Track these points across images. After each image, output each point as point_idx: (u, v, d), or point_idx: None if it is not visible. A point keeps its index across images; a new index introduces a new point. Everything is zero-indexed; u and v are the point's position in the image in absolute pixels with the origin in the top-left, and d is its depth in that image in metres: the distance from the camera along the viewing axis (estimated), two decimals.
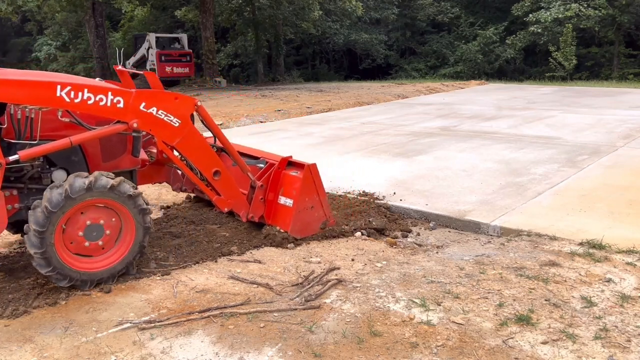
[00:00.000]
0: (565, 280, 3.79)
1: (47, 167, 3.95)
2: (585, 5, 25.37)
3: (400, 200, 5.91)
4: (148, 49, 25.43)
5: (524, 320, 3.23)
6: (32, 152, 3.64)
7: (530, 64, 30.85)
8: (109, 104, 3.76)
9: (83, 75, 27.41)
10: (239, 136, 10.58)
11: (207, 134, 4.60)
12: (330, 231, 4.92)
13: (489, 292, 3.65)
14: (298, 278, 3.96)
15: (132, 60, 26.58)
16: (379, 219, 5.33)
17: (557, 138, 9.26)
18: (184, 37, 27.29)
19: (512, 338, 3.06)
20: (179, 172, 5.11)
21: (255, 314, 3.38)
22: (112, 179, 3.70)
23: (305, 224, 4.75)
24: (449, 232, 5.20)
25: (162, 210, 5.83)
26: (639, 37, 27.80)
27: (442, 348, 2.98)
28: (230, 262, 4.32)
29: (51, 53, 35.99)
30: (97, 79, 4.53)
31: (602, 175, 6.69)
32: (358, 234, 4.97)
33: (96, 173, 3.68)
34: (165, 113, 3.99)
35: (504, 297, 3.57)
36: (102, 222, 3.75)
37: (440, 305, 3.48)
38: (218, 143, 4.59)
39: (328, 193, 6.11)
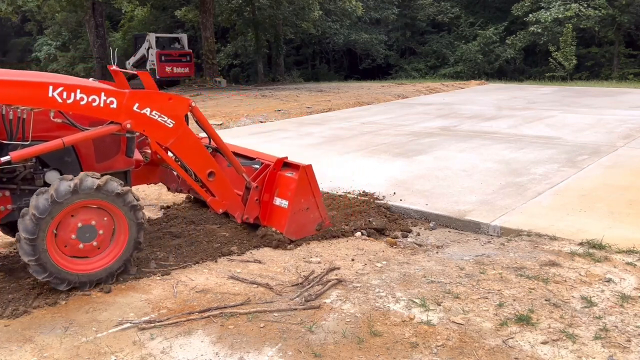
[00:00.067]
0: (565, 280, 3.79)
1: (40, 168, 3.93)
2: (585, 5, 25.37)
3: (400, 200, 5.91)
4: (148, 49, 25.42)
5: (524, 320, 3.23)
6: (24, 153, 3.61)
7: (530, 64, 30.85)
8: (102, 104, 3.73)
9: (83, 75, 27.45)
10: (239, 136, 10.58)
11: (203, 134, 4.59)
12: (330, 231, 4.91)
13: (489, 292, 3.65)
14: (298, 278, 3.96)
15: (132, 60, 26.59)
16: (379, 219, 5.33)
17: (557, 138, 9.26)
18: (184, 37, 27.28)
19: (512, 338, 3.06)
20: (175, 172, 5.10)
21: (255, 314, 3.38)
22: (98, 178, 3.66)
23: (300, 226, 4.72)
24: (449, 232, 5.20)
25: (162, 210, 5.83)
26: (639, 37, 27.80)
27: (442, 348, 2.98)
28: (230, 262, 4.32)
29: (51, 53, 35.99)
30: (91, 79, 4.51)
31: (602, 175, 6.69)
32: (358, 234, 4.97)
33: (81, 174, 3.64)
34: (159, 114, 3.97)
35: (504, 297, 3.57)
36: (93, 222, 3.72)
37: (440, 305, 3.48)
38: (213, 144, 4.56)
39: (328, 193, 6.14)
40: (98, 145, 4.17)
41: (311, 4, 24.92)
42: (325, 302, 3.54)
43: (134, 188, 6.00)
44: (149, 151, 4.84)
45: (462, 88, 20.93)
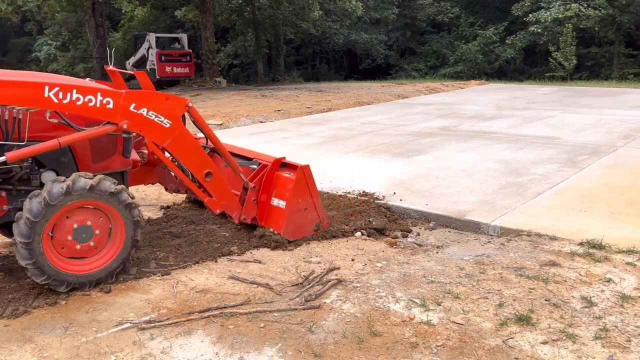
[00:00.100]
0: (565, 280, 3.79)
1: (37, 168, 3.91)
2: (585, 5, 25.37)
3: (400, 200, 5.91)
4: (148, 49, 25.42)
5: (524, 320, 3.23)
6: (20, 153, 3.59)
7: (530, 64, 30.86)
8: (98, 104, 3.72)
9: (83, 75, 27.44)
10: (239, 136, 10.59)
11: (201, 135, 4.57)
12: (330, 231, 4.91)
13: (489, 292, 3.65)
14: (298, 278, 3.96)
15: (132, 60, 26.59)
16: (379, 219, 5.33)
17: (557, 138, 9.26)
18: (184, 37, 27.28)
19: (512, 338, 3.06)
20: (172, 173, 5.09)
21: (255, 314, 3.38)
22: (91, 178, 3.63)
23: (298, 226, 4.71)
24: (449, 232, 5.20)
25: (162, 210, 5.84)
26: (639, 37, 27.80)
27: (442, 348, 2.98)
28: (230, 262, 4.32)
29: (51, 53, 35.98)
30: (87, 79, 4.50)
31: (602, 175, 6.69)
32: (358, 234, 4.97)
33: (74, 175, 3.62)
34: (155, 114, 3.94)
35: (504, 297, 3.57)
36: (89, 223, 3.70)
37: (440, 305, 3.48)
38: (210, 144, 4.54)
39: (328, 193, 6.14)
40: (94, 146, 4.15)
41: (311, 4, 24.92)
42: (325, 302, 3.54)
43: (132, 188, 6.03)
44: (146, 151, 4.82)
45: (462, 88, 20.93)
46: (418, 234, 5.11)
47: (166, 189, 5.52)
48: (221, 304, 3.52)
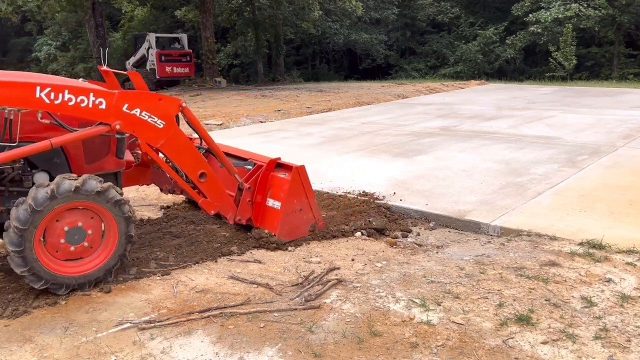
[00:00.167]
0: (565, 280, 3.79)
1: (29, 169, 3.89)
2: (585, 5, 25.37)
3: (400, 200, 5.91)
4: (148, 49, 25.42)
5: (524, 320, 3.23)
6: (11, 154, 3.56)
7: (530, 64, 30.86)
8: (90, 105, 3.68)
9: (83, 75, 27.43)
10: (239, 136, 10.59)
11: (196, 135, 4.54)
12: (330, 231, 4.91)
13: (489, 292, 3.65)
14: (298, 278, 3.96)
15: (132, 60, 26.59)
16: (379, 219, 5.33)
17: (557, 138, 9.26)
18: (184, 37, 27.28)
19: (512, 338, 3.06)
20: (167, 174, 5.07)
21: (255, 314, 3.38)
22: (75, 180, 3.59)
23: (293, 227, 4.69)
24: (449, 232, 5.20)
25: (162, 210, 5.84)
26: (639, 37, 27.80)
27: (442, 348, 2.98)
28: (230, 262, 4.32)
29: (51, 53, 35.99)
30: (80, 79, 4.49)
31: (602, 175, 6.69)
32: (358, 234, 4.97)
33: (57, 179, 3.57)
34: (149, 114, 3.91)
35: (504, 297, 3.57)
36: (80, 224, 3.67)
37: (440, 305, 3.48)
38: (204, 144, 4.51)
39: (328, 193, 6.14)
40: (88, 147, 4.12)
41: (311, 4, 24.93)
42: (325, 302, 3.54)
43: (132, 188, 6.02)
44: (141, 152, 4.79)
45: (462, 88, 20.93)
46: (418, 234, 5.11)
47: (161, 190, 5.47)
48: (221, 304, 3.52)
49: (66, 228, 3.62)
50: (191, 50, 26.79)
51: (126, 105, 3.81)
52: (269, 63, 32.89)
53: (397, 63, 33.79)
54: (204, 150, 4.58)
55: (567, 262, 4.11)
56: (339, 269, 4.13)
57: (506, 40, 28.71)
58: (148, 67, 25.14)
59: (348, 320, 3.31)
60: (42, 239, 3.55)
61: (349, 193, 6.18)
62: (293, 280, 3.92)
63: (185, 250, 4.55)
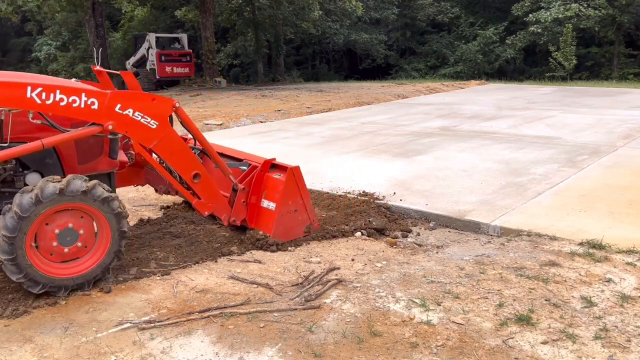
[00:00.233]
0: (565, 280, 3.79)
1: (21, 170, 3.87)
2: (585, 5, 25.38)
3: (400, 200, 5.91)
4: (148, 49, 25.43)
5: (524, 320, 3.23)
6: (2, 155, 3.54)
7: (530, 64, 30.87)
8: (82, 105, 3.65)
9: (83, 75, 27.41)
10: (239, 136, 10.59)
11: (190, 136, 4.51)
12: (330, 231, 4.91)
13: (489, 292, 3.65)
14: (298, 278, 3.96)
15: (132, 60, 26.60)
16: (379, 219, 5.33)
17: (557, 138, 9.26)
18: (184, 37, 27.29)
19: (512, 338, 3.06)
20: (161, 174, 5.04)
21: (255, 314, 3.38)
22: (59, 182, 3.54)
23: (288, 228, 4.67)
24: (449, 232, 5.20)
25: (162, 210, 5.84)
26: (639, 37, 27.81)
27: (442, 348, 2.98)
28: (230, 262, 4.32)
29: (51, 53, 36.00)
30: (73, 79, 4.47)
31: (602, 175, 6.69)
32: (358, 234, 4.97)
33: (40, 182, 3.52)
34: (142, 115, 3.87)
35: (504, 297, 3.57)
36: (71, 225, 3.64)
37: (440, 305, 3.48)
38: (198, 145, 4.49)
39: (328, 193, 6.14)
40: (80, 147, 4.09)
41: (311, 4, 24.93)
42: (325, 302, 3.54)
43: (132, 188, 6.01)
44: (134, 152, 4.76)
45: (462, 88, 20.93)
46: (418, 234, 5.11)
47: (156, 190, 5.43)
48: (221, 304, 3.52)
49: (57, 230, 3.59)
50: (191, 50, 26.80)
51: (119, 106, 3.78)
52: (269, 63, 32.89)
53: (397, 63, 33.81)
54: (199, 151, 4.55)
55: (567, 262, 4.11)
56: (339, 269, 4.13)
57: (506, 40, 28.72)
58: (148, 67, 25.15)
59: (348, 320, 3.31)
60: (33, 244, 3.53)
61: (349, 193, 6.18)
62: (293, 280, 3.92)
63: (185, 250, 4.55)
